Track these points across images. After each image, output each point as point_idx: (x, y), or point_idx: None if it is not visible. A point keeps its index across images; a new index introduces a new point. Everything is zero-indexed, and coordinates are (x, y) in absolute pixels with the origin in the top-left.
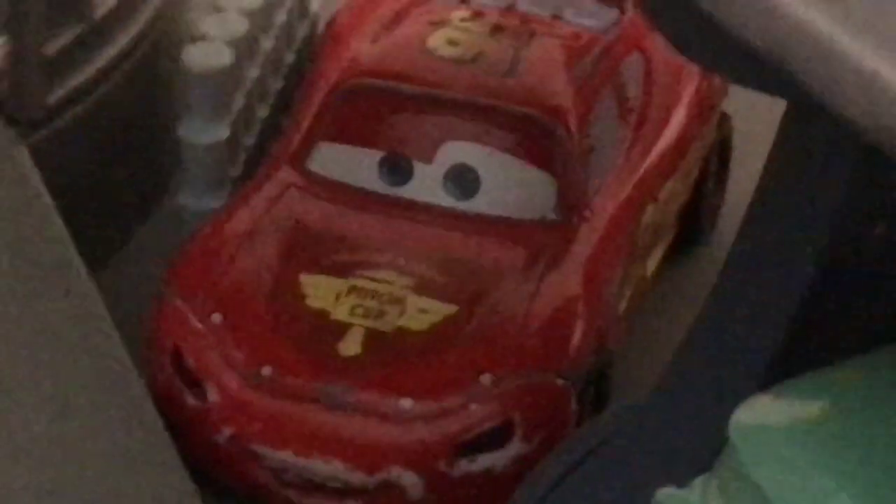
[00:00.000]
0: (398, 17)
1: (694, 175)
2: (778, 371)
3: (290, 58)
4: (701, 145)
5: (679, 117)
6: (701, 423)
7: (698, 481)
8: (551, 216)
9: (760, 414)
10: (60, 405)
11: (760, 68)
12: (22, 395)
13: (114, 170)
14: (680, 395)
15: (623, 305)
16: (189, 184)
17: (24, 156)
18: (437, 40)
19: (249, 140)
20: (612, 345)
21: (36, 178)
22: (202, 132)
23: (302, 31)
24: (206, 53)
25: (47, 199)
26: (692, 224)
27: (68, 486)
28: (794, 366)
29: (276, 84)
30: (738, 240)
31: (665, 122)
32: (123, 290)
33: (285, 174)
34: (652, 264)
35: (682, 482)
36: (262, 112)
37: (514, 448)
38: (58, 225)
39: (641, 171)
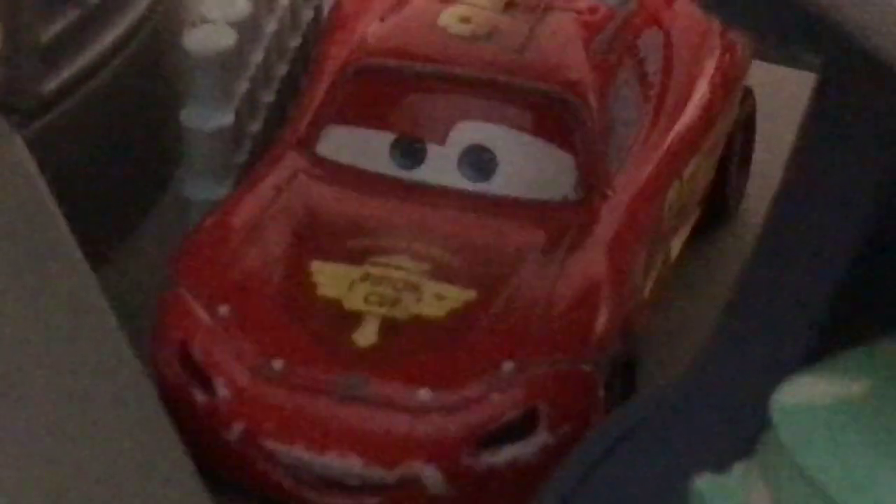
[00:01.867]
0: None
1: (719, 152)
2: (819, 350)
3: (294, 41)
4: (725, 120)
5: (701, 92)
6: (738, 406)
7: (739, 466)
8: (572, 196)
9: (802, 393)
10: (62, 403)
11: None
12: (22, 394)
13: (114, 161)
14: (715, 377)
15: (648, 288)
16: (193, 173)
17: (19, 147)
18: (448, 17)
19: (254, 127)
20: (638, 329)
21: (33, 170)
22: (206, 119)
23: (307, 13)
24: (208, 36)
25: (45, 191)
26: (717, 204)
27: (72, 486)
28: (837, 344)
29: (281, 69)
30: (772, 214)
31: (687, 97)
32: (127, 285)
33: (293, 160)
34: (677, 245)
35: (721, 467)
36: (267, 98)
37: (540, 438)
38: (57, 218)
39: (664, 148)
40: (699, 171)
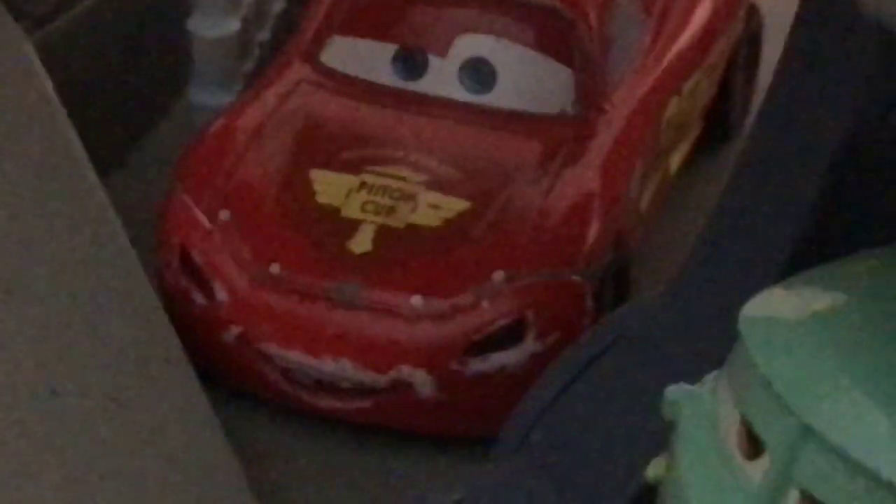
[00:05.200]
0: None
1: (720, 69)
2: (796, 266)
3: None
4: (727, 38)
5: (703, 9)
6: (716, 320)
7: (710, 377)
8: (569, 110)
9: (771, 306)
10: (66, 305)
11: None
12: (25, 294)
13: (124, 67)
14: (695, 291)
15: (645, 203)
16: (200, 80)
17: (30, 52)
18: None
19: (262, 35)
20: (632, 242)
21: (43, 77)
22: (212, 26)
23: None
24: None
25: (54, 97)
26: (720, 118)
27: (71, 385)
28: (813, 260)
29: None
30: (754, 131)
31: (689, 13)
32: (136, 191)
33: (297, 69)
34: (676, 161)
35: (695, 379)
36: (276, 7)
37: (528, 346)
38: (66, 124)
39: (664, 64)
40: (699, 87)
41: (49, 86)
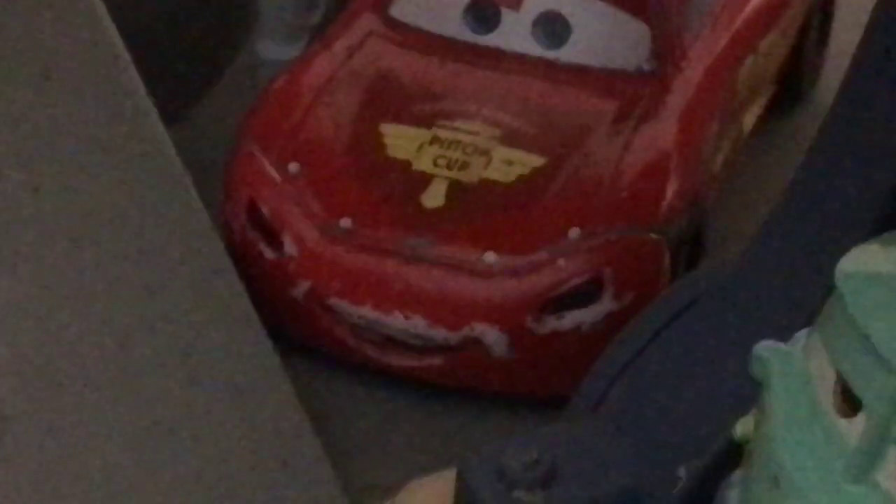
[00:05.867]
0: None
1: (795, 29)
2: (888, 220)
3: None
4: None
5: None
6: (803, 276)
7: (801, 334)
8: (645, 66)
9: (869, 262)
10: (134, 259)
11: None
12: (96, 249)
13: (190, 17)
14: (781, 247)
15: (719, 162)
16: (267, 32)
17: (96, 3)
18: None
19: None
20: (706, 201)
21: (110, 27)
22: None
23: None
24: None
25: (121, 46)
26: (792, 81)
27: (140, 340)
28: None
29: None
30: (846, 86)
31: None
32: (200, 142)
33: (366, 21)
34: (749, 120)
35: (783, 336)
36: None
37: (604, 305)
38: (133, 75)
39: (740, 21)
40: (774, 47)
41: (117, 37)
